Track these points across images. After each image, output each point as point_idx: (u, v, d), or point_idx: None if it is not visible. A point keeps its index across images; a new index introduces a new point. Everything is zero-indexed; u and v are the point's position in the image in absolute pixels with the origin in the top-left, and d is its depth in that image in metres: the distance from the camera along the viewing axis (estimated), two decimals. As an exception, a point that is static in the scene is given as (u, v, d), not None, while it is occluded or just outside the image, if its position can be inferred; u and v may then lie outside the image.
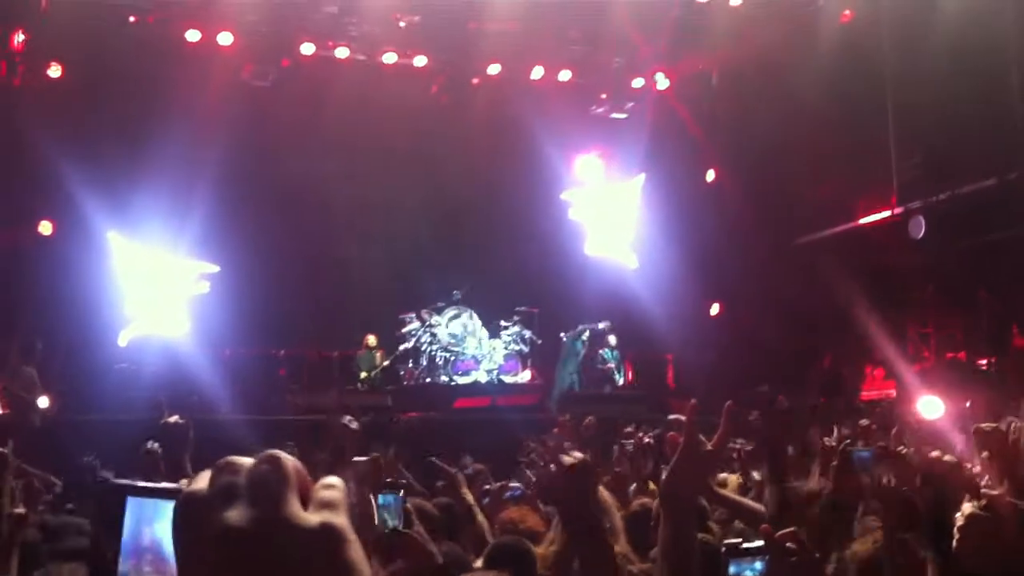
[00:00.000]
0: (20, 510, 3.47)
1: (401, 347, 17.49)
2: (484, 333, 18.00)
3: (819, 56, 16.83)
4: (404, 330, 17.68)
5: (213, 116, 16.25)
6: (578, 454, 3.14)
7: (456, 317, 18.01)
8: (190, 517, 1.07)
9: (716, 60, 19.33)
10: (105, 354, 15.92)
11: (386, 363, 17.32)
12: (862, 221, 17.48)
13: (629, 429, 8.89)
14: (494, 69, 18.84)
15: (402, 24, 17.60)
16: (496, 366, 17.92)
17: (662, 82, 19.98)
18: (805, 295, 17.71)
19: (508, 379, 17.90)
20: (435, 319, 17.82)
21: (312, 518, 1.05)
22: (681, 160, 20.49)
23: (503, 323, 18.25)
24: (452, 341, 17.82)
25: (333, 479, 1.13)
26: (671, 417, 9.21)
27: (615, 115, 20.37)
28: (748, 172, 19.79)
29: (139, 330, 16.73)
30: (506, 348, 18.12)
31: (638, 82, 19.90)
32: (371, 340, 17.45)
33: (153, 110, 16.58)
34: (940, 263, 15.30)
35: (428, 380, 17.49)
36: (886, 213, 16.90)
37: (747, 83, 19.35)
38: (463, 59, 18.72)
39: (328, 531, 1.05)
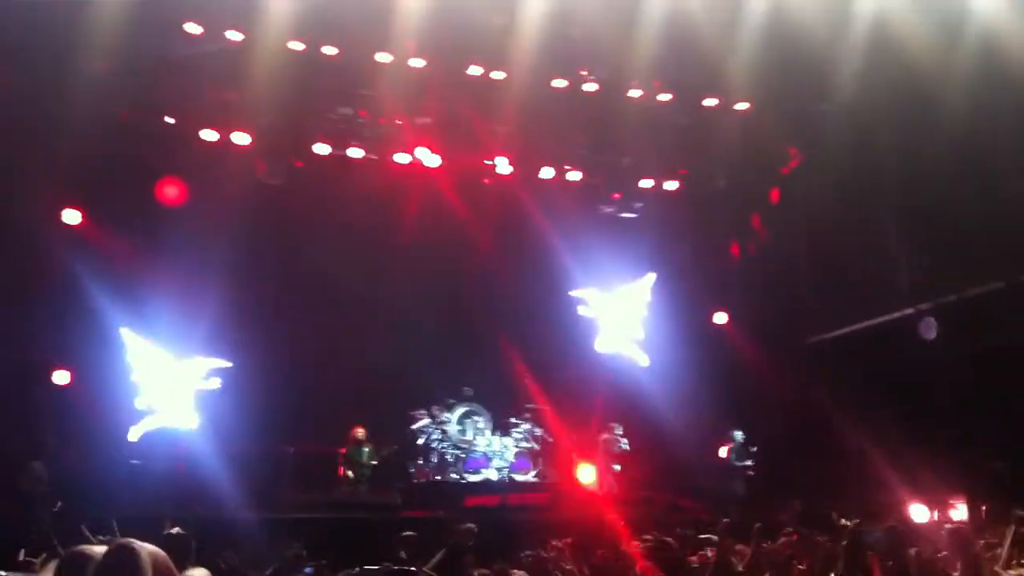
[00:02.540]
0: None
1: (394, 447, 17.31)
2: (494, 429, 17.99)
3: (825, 158, 17.01)
4: (415, 427, 17.61)
5: (227, 214, 16.45)
6: None
7: (467, 414, 17.97)
8: None
9: (723, 162, 19.52)
10: (117, 449, 15.91)
11: (374, 462, 17.03)
12: (873, 322, 17.49)
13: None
14: (505, 169, 19.07)
15: (414, 125, 17.92)
16: (507, 464, 17.82)
17: (670, 184, 20.16)
18: (815, 394, 17.69)
19: (519, 477, 17.78)
20: (445, 415, 17.77)
21: None
22: (691, 259, 20.61)
23: (514, 420, 18.20)
24: (463, 438, 17.74)
25: (198, 571, 1.10)
26: (701, 536, 9.13)
27: (624, 215, 20.52)
28: (758, 272, 19.92)
29: (150, 425, 16.72)
30: (517, 446, 18.04)
31: (646, 183, 20.08)
32: (360, 433, 17.05)
33: (168, 207, 16.82)
34: (950, 364, 15.26)
35: (438, 478, 17.37)
36: (897, 314, 16.91)
37: (754, 186, 19.57)
38: (474, 159, 18.97)
39: None
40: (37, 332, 15.57)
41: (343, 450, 17.00)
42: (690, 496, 17.39)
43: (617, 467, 17.92)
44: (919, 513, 10.94)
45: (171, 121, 17.04)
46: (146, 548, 1.00)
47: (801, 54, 15.51)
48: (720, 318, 20.62)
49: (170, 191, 17.22)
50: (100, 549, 0.99)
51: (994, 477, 13.59)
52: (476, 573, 7.06)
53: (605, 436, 18.05)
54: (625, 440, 18.07)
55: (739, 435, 17.99)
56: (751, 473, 17.87)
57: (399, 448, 17.42)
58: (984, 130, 14.28)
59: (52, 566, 0.97)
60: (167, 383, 16.99)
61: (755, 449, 17.93)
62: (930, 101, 14.80)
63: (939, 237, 15.63)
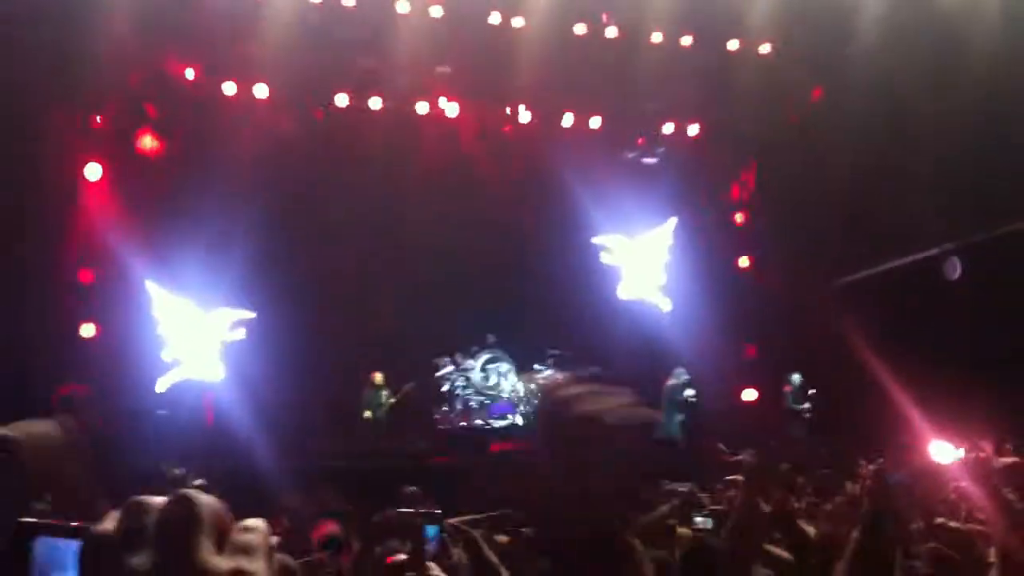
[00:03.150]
0: None
1: (408, 386, 17.29)
2: (518, 375, 18.07)
3: (850, 101, 16.86)
4: (438, 374, 17.74)
5: (249, 166, 16.49)
6: None
7: (491, 361, 18.07)
8: (94, 559, 1.02)
9: (746, 105, 19.40)
10: (145, 400, 16.09)
11: (392, 400, 17.06)
12: (897, 263, 17.42)
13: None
14: (525, 117, 19.02)
15: (435, 75, 17.88)
16: (532, 409, 17.93)
17: (692, 128, 20.07)
18: (840, 337, 17.67)
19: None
20: (469, 363, 17.88)
21: (223, 564, 1.00)
22: (713, 204, 20.58)
23: (537, 366, 18.29)
24: (486, 385, 17.86)
25: (255, 521, 1.08)
26: (728, 478, 9.16)
27: (646, 160, 20.45)
28: (781, 216, 19.84)
29: (177, 376, 16.90)
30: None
31: (668, 127, 19.99)
32: (378, 378, 17.06)
33: (190, 160, 16.88)
34: (975, 305, 15.19)
35: (463, 424, 17.51)
36: (921, 255, 16.84)
37: (779, 128, 19.43)
38: (495, 108, 18.92)
39: None
40: (62, 287, 15.72)
41: (362, 392, 17.09)
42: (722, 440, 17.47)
43: (680, 416, 17.69)
44: (943, 453, 10.99)
45: (191, 75, 17.09)
46: (204, 498, 1.01)
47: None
48: (743, 262, 20.63)
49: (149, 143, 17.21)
50: (159, 499, 1.01)
51: None
52: None
53: (670, 382, 17.89)
54: (692, 391, 17.85)
55: (797, 378, 17.80)
56: (808, 416, 17.71)
57: (416, 384, 17.38)
58: (1011, 72, 14.13)
59: (113, 514, 0.98)
60: (193, 335, 17.15)
61: (813, 391, 17.75)
62: (956, 42, 14.65)
63: (965, 179, 15.51)
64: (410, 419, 17.31)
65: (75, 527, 1.25)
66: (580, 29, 17.06)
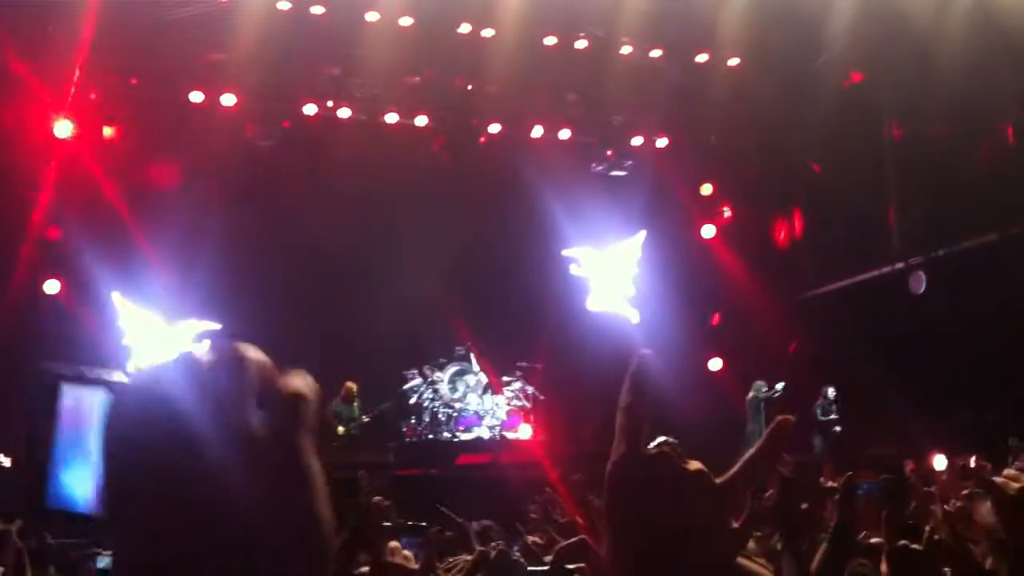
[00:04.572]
0: None
1: (384, 405, 17.23)
2: (485, 388, 17.99)
3: (817, 114, 16.96)
4: (406, 386, 17.64)
5: (216, 176, 16.36)
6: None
7: (459, 373, 17.99)
8: (120, 409, 0.96)
9: (714, 119, 19.47)
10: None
11: (365, 418, 16.99)
12: (863, 277, 17.49)
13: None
14: (494, 128, 18.98)
15: (404, 84, 17.84)
16: (498, 422, 17.86)
17: (661, 140, 20.12)
18: (807, 350, 17.74)
19: (510, 435, 17.83)
20: (437, 375, 17.79)
21: (261, 429, 0.96)
22: (681, 216, 20.61)
23: (505, 378, 18.23)
24: (454, 397, 17.78)
25: (299, 381, 1.05)
26: None
27: (615, 173, 20.48)
28: (748, 228, 19.92)
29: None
30: (508, 404, 18.08)
31: (637, 140, 20.02)
32: (353, 387, 16.89)
33: (156, 170, 16.73)
34: (941, 318, 15.26)
35: (430, 436, 17.42)
36: (887, 268, 16.91)
37: (746, 140, 19.51)
38: (464, 118, 18.87)
39: (281, 438, 0.96)
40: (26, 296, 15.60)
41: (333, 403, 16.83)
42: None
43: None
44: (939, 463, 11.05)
45: (157, 84, 16.98)
46: (255, 355, 1.00)
47: (793, 8, 15.44)
48: (711, 275, 20.65)
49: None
50: (204, 353, 0.98)
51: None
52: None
53: (750, 395, 17.45)
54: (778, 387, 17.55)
55: (831, 391, 17.39)
56: (837, 429, 17.38)
57: (393, 404, 17.36)
58: (978, 83, 14.24)
59: (144, 367, 0.95)
60: (158, 347, 16.96)
61: (836, 410, 17.28)
62: (924, 54, 14.75)
63: (932, 190, 15.61)
64: (382, 435, 17.22)
65: (99, 378, 1.21)
66: (550, 40, 17.04)
